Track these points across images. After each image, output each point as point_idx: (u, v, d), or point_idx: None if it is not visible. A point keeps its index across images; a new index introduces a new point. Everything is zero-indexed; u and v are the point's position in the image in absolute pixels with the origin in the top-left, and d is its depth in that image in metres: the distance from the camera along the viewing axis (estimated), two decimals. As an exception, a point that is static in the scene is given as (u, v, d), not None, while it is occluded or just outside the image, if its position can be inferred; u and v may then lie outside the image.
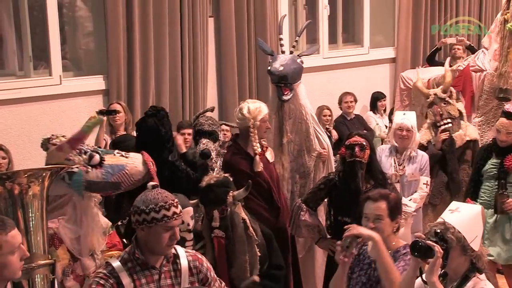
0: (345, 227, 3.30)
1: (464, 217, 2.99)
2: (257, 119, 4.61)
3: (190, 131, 5.63)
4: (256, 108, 4.67)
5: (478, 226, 3.01)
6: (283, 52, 5.23)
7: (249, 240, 3.91)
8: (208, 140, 5.15)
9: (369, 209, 3.40)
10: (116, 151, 3.98)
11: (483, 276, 3.01)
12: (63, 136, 3.87)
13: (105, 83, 6.41)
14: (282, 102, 5.01)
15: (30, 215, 3.19)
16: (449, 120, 5.93)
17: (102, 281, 2.89)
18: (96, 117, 4.16)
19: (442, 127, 5.91)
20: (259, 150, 4.64)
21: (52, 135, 3.86)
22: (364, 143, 4.38)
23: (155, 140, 4.30)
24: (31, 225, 3.19)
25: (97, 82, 6.42)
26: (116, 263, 2.94)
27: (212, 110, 5.85)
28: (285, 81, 4.95)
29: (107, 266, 2.96)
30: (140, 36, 6.42)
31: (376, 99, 8.22)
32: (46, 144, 3.82)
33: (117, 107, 5.82)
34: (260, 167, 4.57)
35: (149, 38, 6.46)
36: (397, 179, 5.19)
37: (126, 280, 2.89)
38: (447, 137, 5.87)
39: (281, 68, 4.95)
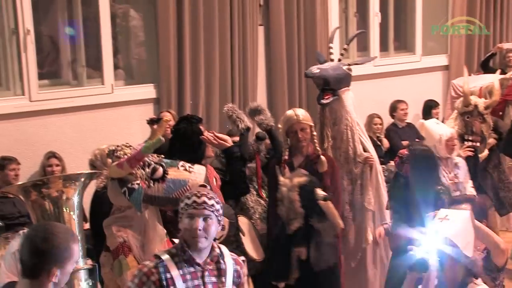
0: None
1: (455, 224, 2.98)
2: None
3: None
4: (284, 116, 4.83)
5: (469, 232, 3.01)
6: (332, 60, 5.21)
7: None
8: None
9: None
10: (181, 163, 3.96)
11: (479, 280, 3.02)
12: (127, 147, 3.92)
13: (155, 92, 6.52)
14: (321, 105, 5.02)
15: (66, 220, 3.27)
16: (479, 139, 5.58)
17: (144, 279, 2.94)
18: (156, 138, 4.21)
19: (470, 144, 5.55)
20: (285, 157, 4.69)
21: (117, 146, 3.92)
22: (404, 157, 4.40)
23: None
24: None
25: (148, 91, 6.53)
26: (165, 256, 3.00)
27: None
28: (327, 86, 4.93)
29: (155, 258, 3.02)
30: (191, 45, 6.50)
31: (430, 107, 8.11)
32: (111, 155, 3.89)
33: (167, 115, 5.83)
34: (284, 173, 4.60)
35: (199, 47, 6.54)
36: (454, 189, 5.08)
37: (175, 272, 2.95)
38: (471, 154, 5.50)
39: (317, 71, 4.95)
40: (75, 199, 3.35)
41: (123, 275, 3.81)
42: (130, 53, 6.93)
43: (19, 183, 4.12)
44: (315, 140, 4.73)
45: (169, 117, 5.80)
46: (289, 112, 4.77)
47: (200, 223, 2.92)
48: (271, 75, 7.23)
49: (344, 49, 5.38)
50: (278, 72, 7.17)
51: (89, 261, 3.46)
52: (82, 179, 3.46)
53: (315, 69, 4.98)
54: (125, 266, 3.82)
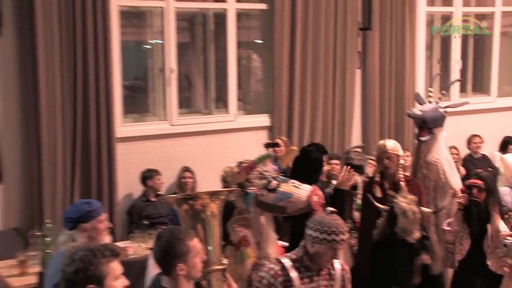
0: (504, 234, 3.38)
1: None
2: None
3: (337, 162, 6.41)
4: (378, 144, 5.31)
5: None
6: (430, 103, 5.46)
7: None
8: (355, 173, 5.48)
9: None
10: (292, 181, 4.28)
11: None
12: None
13: (269, 121, 7.21)
14: (419, 142, 5.40)
15: (208, 228, 3.54)
16: None
17: (272, 280, 3.28)
18: (266, 152, 4.93)
19: None
20: (377, 179, 5.08)
21: (245, 160, 4.43)
22: (482, 186, 4.55)
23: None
24: (208, 237, 3.55)
25: (263, 120, 7.24)
26: (285, 260, 3.32)
27: (362, 147, 6.43)
28: (425, 125, 5.22)
29: (278, 262, 3.35)
30: (300, 83, 7.18)
31: (507, 143, 8.30)
32: (238, 166, 4.39)
33: (278, 141, 6.67)
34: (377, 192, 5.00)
35: (307, 84, 7.22)
36: None
37: (294, 274, 3.26)
38: None
39: (419, 113, 5.23)
40: (218, 210, 3.63)
41: (244, 263, 4.17)
42: (249, 88, 7.67)
43: (174, 195, 4.55)
44: (400, 168, 5.00)
45: (280, 142, 6.68)
46: (381, 142, 5.18)
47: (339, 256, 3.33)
48: (365, 111, 7.77)
49: (442, 94, 5.62)
50: (371, 109, 7.72)
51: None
52: (224, 195, 3.75)
53: (417, 111, 5.27)
54: (246, 255, 4.18)
